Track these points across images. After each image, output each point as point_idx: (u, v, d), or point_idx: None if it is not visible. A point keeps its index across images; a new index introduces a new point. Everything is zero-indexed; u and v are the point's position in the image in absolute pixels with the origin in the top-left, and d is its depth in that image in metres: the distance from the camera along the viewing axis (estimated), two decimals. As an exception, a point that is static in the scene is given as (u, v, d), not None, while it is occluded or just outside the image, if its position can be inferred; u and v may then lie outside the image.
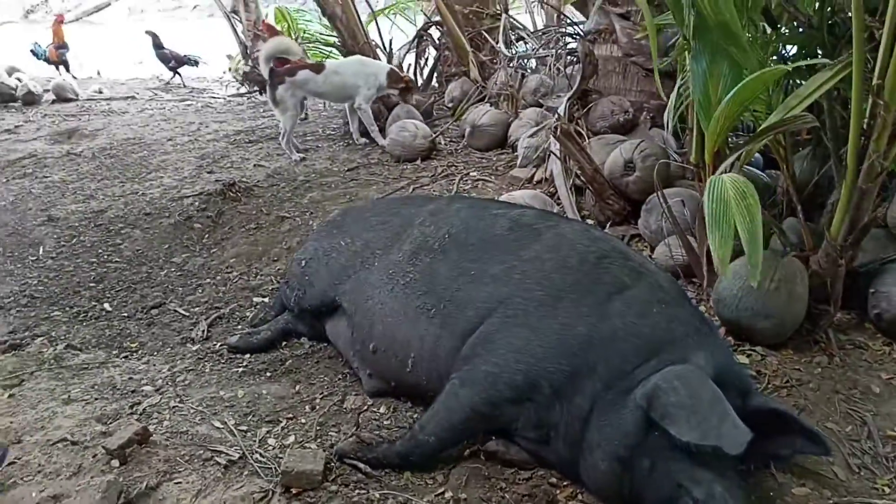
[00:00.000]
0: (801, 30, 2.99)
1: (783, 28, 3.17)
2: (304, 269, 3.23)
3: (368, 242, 3.07)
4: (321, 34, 8.78)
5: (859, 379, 2.69)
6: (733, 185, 2.32)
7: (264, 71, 5.82)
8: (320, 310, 3.15)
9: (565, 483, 2.36)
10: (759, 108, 3.15)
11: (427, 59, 7.74)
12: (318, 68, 5.94)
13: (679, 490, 2.05)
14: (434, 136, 5.65)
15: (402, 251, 2.88)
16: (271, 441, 2.60)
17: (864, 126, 2.46)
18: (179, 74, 10.74)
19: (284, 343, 3.34)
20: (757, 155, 4.07)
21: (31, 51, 10.78)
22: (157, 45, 10.51)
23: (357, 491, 2.33)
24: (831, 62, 2.66)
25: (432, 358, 2.61)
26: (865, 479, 2.29)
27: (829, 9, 2.81)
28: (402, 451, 2.45)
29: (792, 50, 3.39)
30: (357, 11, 7.01)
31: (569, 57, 5.72)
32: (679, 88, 3.29)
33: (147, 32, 10.58)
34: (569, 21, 6.15)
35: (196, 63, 10.81)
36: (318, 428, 2.67)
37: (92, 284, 4.16)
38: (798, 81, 3.03)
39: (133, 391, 3.00)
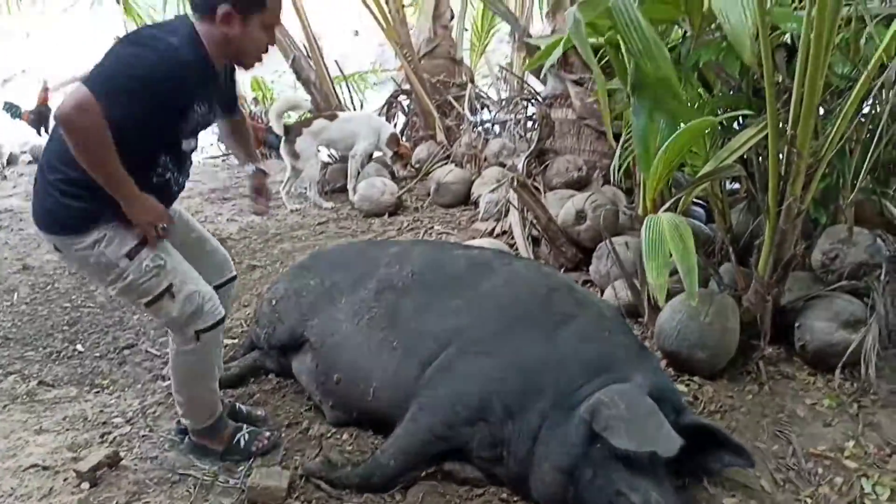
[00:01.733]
0: (731, 92, 3.31)
1: (717, 92, 3.50)
2: (274, 307, 3.38)
3: (336, 282, 3.24)
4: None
5: (786, 405, 2.91)
6: (668, 221, 2.57)
7: (277, 127, 6.09)
8: (288, 346, 3.28)
9: (516, 499, 2.52)
10: (696, 162, 3.45)
11: (396, 125, 8.07)
12: (331, 117, 6.27)
13: (618, 497, 2.23)
14: (401, 192, 5.92)
15: (367, 289, 3.06)
16: (239, 466, 2.71)
17: (782, 172, 2.75)
18: None
19: (252, 379, 3.46)
20: (700, 210, 4.38)
21: (4, 107, 10.79)
22: None
23: (319, 506, 2.47)
24: (756, 119, 2.98)
25: (393, 387, 2.76)
26: (790, 492, 2.49)
27: (752, 73, 3.14)
28: (364, 473, 2.58)
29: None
30: (330, 76, 7.36)
31: (529, 122, 6.06)
32: (624, 144, 3.59)
33: None
34: (530, 91, 6.53)
35: None
36: (283, 453, 2.79)
37: (65, 328, 4.26)
38: (731, 139, 3.35)
39: (104, 423, 3.10)
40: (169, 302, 2.44)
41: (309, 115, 6.65)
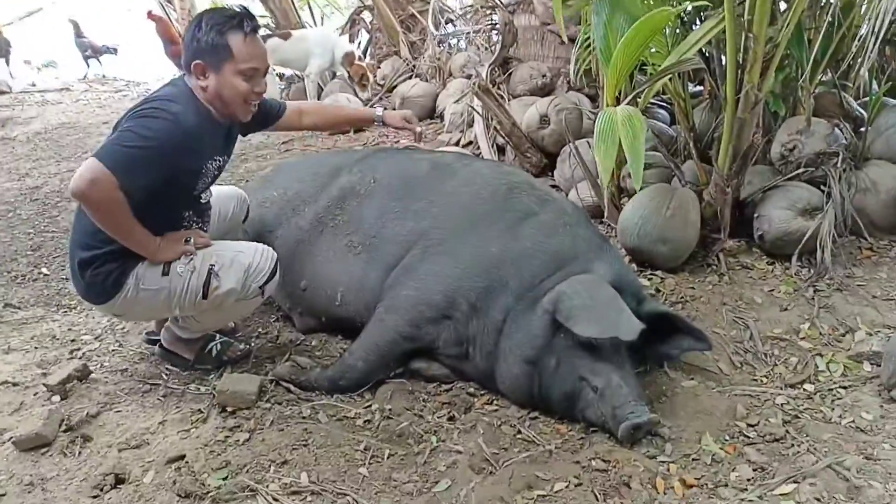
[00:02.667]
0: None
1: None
2: (238, 221, 3.35)
3: (299, 192, 3.20)
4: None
5: (744, 292, 2.98)
6: (622, 111, 2.58)
7: None
8: (254, 257, 3.28)
9: (482, 392, 2.58)
10: (658, 61, 3.42)
11: (360, 43, 7.89)
12: (285, 35, 6.08)
13: (581, 383, 2.30)
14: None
15: (330, 197, 3.04)
16: (210, 375, 2.74)
17: (741, 61, 2.73)
18: (99, 62, 10.52)
19: (220, 293, 3.46)
20: (665, 113, 4.37)
21: None
22: (78, 34, 10.28)
23: (290, 407, 2.50)
24: (716, 11, 2.94)
25: (359, 290, 2.78)
26: (746, 373, 2.58)
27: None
28: (332, 374, 2.63)
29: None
30: (289, -7, 7.15)
31: (493, 32, 5.96)
32: (583, 43, 3.54)
33: (69, 20, 10.32)
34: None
35: (115, 52, 10.60)
36: (253, 360, 2.82)
37: (29, 252, 4.20)
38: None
39: (72, 340, 3.09)
40: (218, 281, 2.46)
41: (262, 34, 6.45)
